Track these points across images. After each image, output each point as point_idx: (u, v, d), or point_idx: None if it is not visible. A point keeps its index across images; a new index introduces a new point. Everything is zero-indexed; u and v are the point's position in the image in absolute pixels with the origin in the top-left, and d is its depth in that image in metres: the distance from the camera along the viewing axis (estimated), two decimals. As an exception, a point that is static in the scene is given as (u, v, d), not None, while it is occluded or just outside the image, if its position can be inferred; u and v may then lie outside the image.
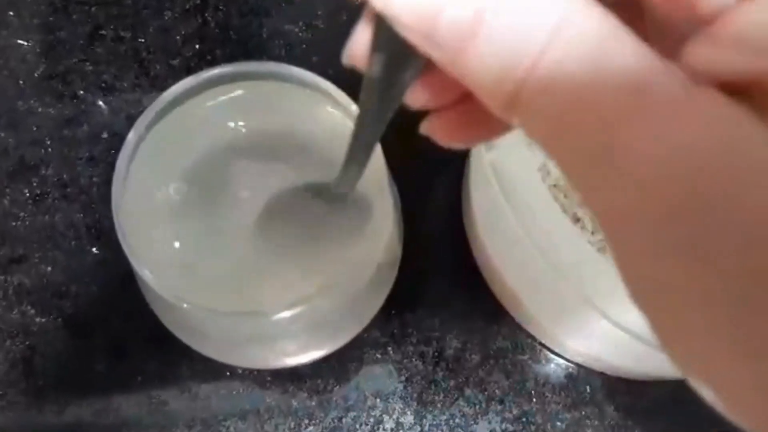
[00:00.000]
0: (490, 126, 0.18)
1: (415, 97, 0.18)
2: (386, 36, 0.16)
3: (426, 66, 0.16)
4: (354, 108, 0.28)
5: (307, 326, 0.28)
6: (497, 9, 0.14)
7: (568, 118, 0.14)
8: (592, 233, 0.33)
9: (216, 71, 0.27)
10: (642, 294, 0.15)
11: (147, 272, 0.25)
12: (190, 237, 0.28)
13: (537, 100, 0.14)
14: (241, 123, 0.29)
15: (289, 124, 0.30)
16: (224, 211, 0.28)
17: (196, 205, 0.28)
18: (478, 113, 0.18)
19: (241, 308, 0.26)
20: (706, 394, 0.15)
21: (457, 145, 0.19)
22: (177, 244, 0.27)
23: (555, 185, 0.39)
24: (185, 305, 0.25)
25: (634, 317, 0.28)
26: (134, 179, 0.27)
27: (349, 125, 0.28)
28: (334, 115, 0.29)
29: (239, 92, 0.30)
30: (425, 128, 0.19)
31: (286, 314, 0.25)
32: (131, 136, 0.26)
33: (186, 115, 0.28)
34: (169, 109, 0.28)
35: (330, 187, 0.28)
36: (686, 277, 0.13)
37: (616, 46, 0.14)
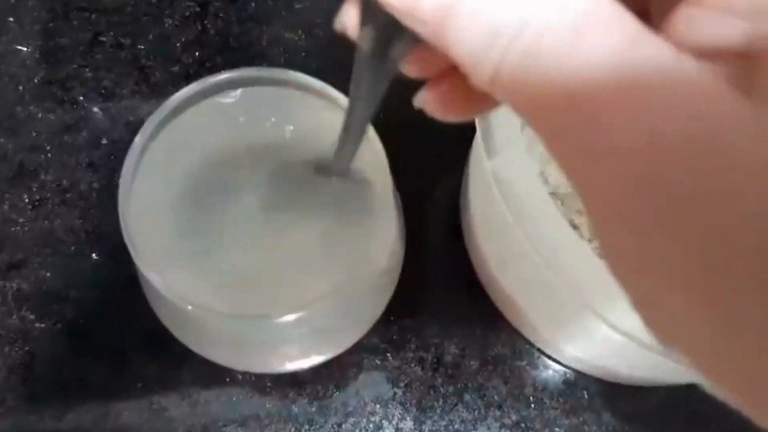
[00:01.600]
0: (482, 99, 0.18)
1: (407, 68, 0.18)
2: (373, 12, 0.16)
3: (415, 39, 0.16)
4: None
5: (310, 330, 0.28)
6: None
7: (549, 93, 0.14)
8: (589, 241, 0.34)
9: (224, 76, 0.28)
10: (622, 267, 0.15)
11: (153, 274, 0.25)
12: (194, 240, 0.28)
13: (519, 73, 0.14)
14: (245, 128, 0.30)
15: (293, 129, 0.30)
16: (229, 215, 0.28)
17: (201, 209, 0.28)
18: (468, 86, 0.18)
19: (245, 311, 0.26)
20: (686, 360, 0.15)
21: (451, 117, 0.19)
22: (182, 247, 0.27)
23: (553, 193, 0.40)
24: (190, 307, 0.25)
25: (632, 322, 0.29)
26: (140, 183, 0.27)
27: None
28: (336, 119, 0.30)
29: (244, 97, 0.30)
30: (419, 101, 0.19)
31: (290, 318, 0.25)
32: (138, 140, 0.26)
33: (192, 119, 0.29)
34: (175, 113, 0.28)
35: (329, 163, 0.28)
36: (660, 248, 0.14)
37: (599, 19, 0.14)
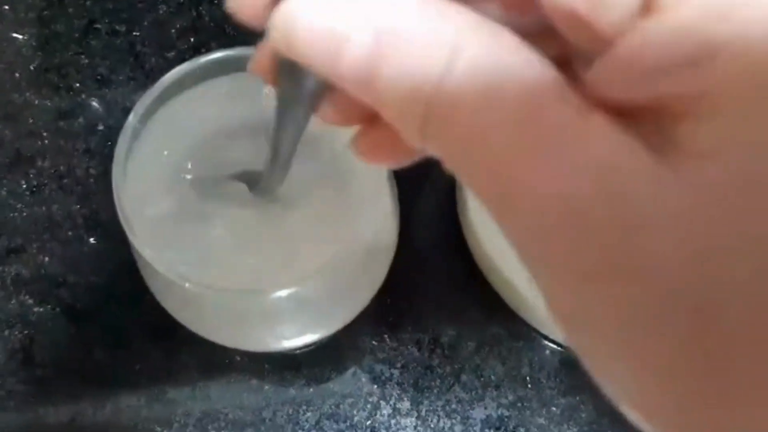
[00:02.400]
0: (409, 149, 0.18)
1: (329, 116, 0.18)
2: (288, 64, 0.16)
3: (331, 87, 0.16)
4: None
5: (304, 306, 0.29)
6: (395, 29, 0.14)
7: (469, 146, 0.14)
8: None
9: (218, 55, 0.28)
10: (563, 324, 0.15)
11: (148, 251, 0.25)
12: (190, 218, 0.28)
13: (444, 124, 0.14)
14: (239, 109, 0.30)
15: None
16: (223, 194, 0.28)
17: (196, 188, 0.28)
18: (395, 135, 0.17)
19: (240, 287, 0.26)
20: (634, 418, 0.15)
21: (384, 165, 0.19)
22: (177, 226, 0.28)
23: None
24: (187, 285, 0.25)
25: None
26: (135, 162, 0.28)
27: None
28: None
29: (237, 80, 0.30)
30: (352, 149, 0.19)
31: (284, 292, 0.26)
32: (131, 119, 0.26)
33: (186, 101, 0.29)
34: (170, 95, 0.28)
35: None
36: (589, 305, 0.14)
37: (511, 69, 0.13)
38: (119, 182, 0.26)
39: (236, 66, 0.29)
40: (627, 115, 0.14)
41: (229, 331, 0.30)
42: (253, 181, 0.27)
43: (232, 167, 0.29)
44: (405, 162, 0.19)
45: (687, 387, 0.13)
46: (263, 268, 0.28)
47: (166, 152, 0.28)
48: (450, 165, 0.15)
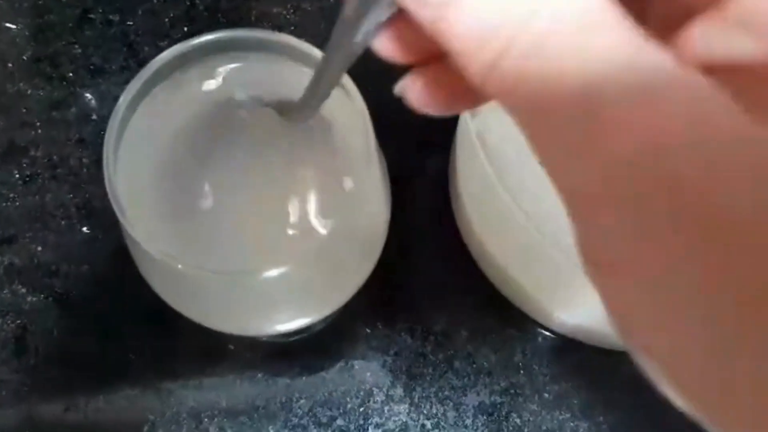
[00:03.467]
0: (468, 93, 0.18)
1: (385, 46, 0.18)
2: None
3: (398, 19, 0.16)
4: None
5: (294, 288, 0.29)
6: None
7: (548, 90, 0.14)
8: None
9: (209, 37, 0.28)
10: (596, 271, 0.15)
11: (139, 232, 0.25)
12: (181, 201, 0.28)
13: (516, 73, 0.14)
14: (231, 90, 0.30)
15: (280, 93, 0.30)
16: (214, 176, 0.28)
17: (186, 171, 0.28)
18: (454, 79, 0.17)
19: (231, 268, 0.26)
20: (651, 369, 0.15)
21: (431, 110, 0.19)
22: (168, 208, 0.28)
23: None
24: (180, 266, 0.25)
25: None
26: (126, 144, 0.28)
27: (341, 96, 0.29)
28: (334, 93, 0.30)
29: (231, 63, 0.30)
30: (400, 89, 0.19)
31: (274, 273, 0.26)
32: (121, 101, 0.26)
33: (178, 81, 0.29)
34: (161, 75, 0.28)
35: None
36: (641, 258, 0.14)
37: (606, 21, 0.14)
38: (110, 165, 0.26)
39: (227, 48, 0.29)
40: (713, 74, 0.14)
41: (221, 314, 0.30)
42: (284, 106, 0.27)
43: (224, 149, 0.29)
44: (452, 108, 0.19)
45: (727, 334, 0.13)
46: (254, 250, 0.28)
47: (157, 135, 0.28)
48: (514, 102, 0.15)
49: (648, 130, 0.13)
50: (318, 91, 0.23)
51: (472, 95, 0.18)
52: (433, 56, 0.18)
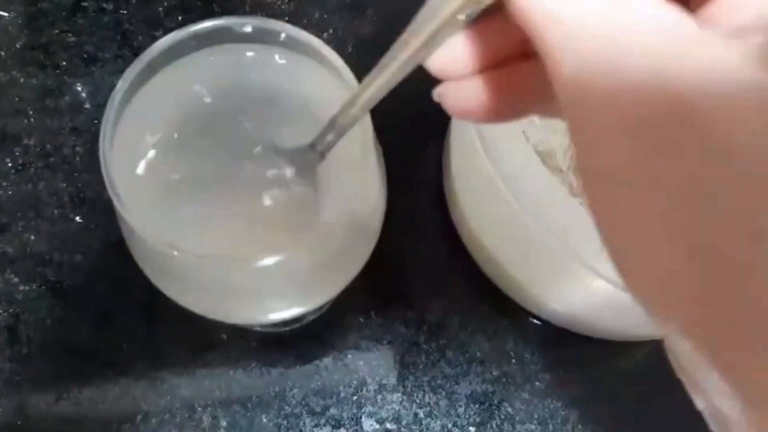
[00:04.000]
0: (520, 99, 0.19)
1: (457, 49, 0.19)
2: None
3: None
4: (341, 65, 0.28)
5: (289, 277, 0.29)
6: None
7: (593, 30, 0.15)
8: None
9: (207, 25, 0.28)
10: (605, 180, 0.16)
11: (136, 219, 0.25)
12: (177, 187, 0.28)
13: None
14: (229, 78, 0.30)
15: (278, 82, 0.30)
16: (212, 162, 0.28)
17: (183, 156, 0.28)
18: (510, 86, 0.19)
19: (226, 256, 0.26)
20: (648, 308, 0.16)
21: (469, 117, 0.20)
22: (164, 195, 0.28)
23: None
24: (175, 252, 0.25)
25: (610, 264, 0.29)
26: (122, 133, 0.28)
27: (338, 86, 0.29)
28: (324, 75, 0.30)
29: (229, 52, 0.30)
30: (438, 94, 0.20)
31: (269, 261, 0.26)
32: (119, 86, 0.26)
33: (175, 68, 0.29)
34: (160, 63, 0.28)
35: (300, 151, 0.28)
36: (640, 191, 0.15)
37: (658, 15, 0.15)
38: (106, 151, 0.26)
39: (226, 35, 0.29)
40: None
41: (215, 302, 0.30)
42: (289, 155, 0.28)
43: (220, 137, 0.29)
44: (498, 116, 0.20)
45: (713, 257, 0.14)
46: (249, 238, 0.28)
47: (154, 121, 0.28)
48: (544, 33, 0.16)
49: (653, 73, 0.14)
50: (354, 109, 0.23)
51: (524, 102, 0.19)
52: (492, 64, 0.19)
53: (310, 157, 0.27)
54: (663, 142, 0.14)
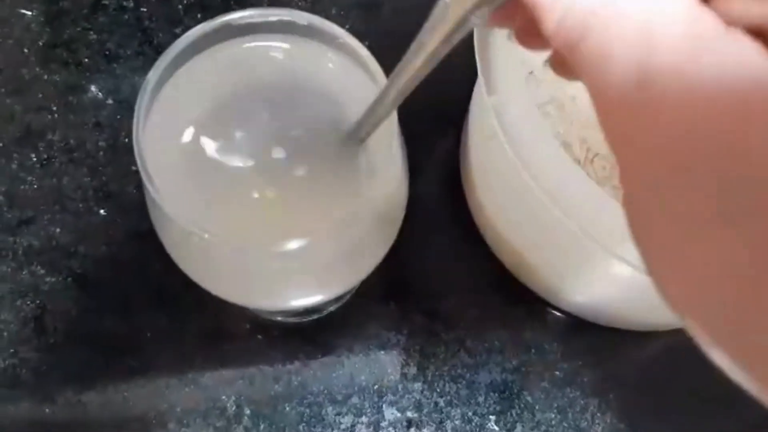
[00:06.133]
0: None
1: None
2: None
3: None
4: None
5: (312, 264, 0.29)
6: None
7: (608, 41, 0.15)
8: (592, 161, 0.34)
9: (246, 14, 0.29)
10: (638, 217, 0.16)
11: (167, 202, 0.26)
12: (206, 174, 0.29)
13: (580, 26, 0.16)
14: (257, 71, 0.31)
15: (306, 72, 0.31)
16: (240, 149, 0.29)
17: (213, 143, 0.29)
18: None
19: (252, 241, 0.27)
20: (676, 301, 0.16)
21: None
22: (194, 181, 0.28)
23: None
24: (206, 235, 0.26)
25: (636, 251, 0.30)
26: (153, 120, 0.28)
27: (362, 75, 0.30)
28: (349, 65, 0.31)
29: (256, 43, 0.31)
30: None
31: (293, 246, 0.26)
32: (151, 74, 0.27)
33: (206, 60, 0.29)
34: (190, 53, 0.29)
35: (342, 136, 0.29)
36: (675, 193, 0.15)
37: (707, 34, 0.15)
38: (139, 135, 0.26)
39: (252, 28, 0.30)
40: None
41: (239, 287, 0.31)
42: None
43: (249, 126, 0.29)
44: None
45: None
46: (276, 223, 0.29)
47: (185, 108, 0.29)
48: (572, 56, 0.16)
49: (685, 83, 0.15)
50: (387, 101, 0.24)
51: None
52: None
53: (347, 145, 0.28)
54: (715, 151, 0.15)
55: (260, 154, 0.29)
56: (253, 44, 0.30)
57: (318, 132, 0.30)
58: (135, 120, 0.26)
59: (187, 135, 0.29)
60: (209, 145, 0.29)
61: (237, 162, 0.29)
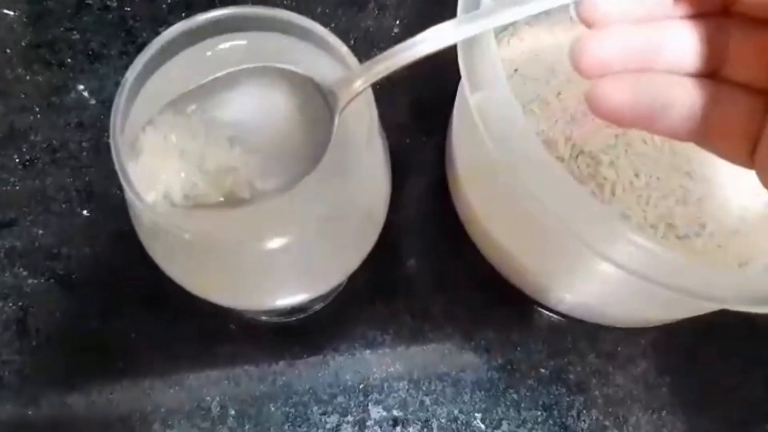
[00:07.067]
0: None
1: None
2: None
3: None
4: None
5: (295, 261, 0.29)
6: None
7: None
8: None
9: (221, 12, 0.29)
10: None
11: (148, 202, 0.26)
12: (188, 172, 0.28)
13: None
14: (236, 69, 0.30)
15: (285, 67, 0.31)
16: (219, 150, 0.29)
17: (192, 140, 0.29)
18: None
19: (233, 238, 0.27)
20: None
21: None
22: (176, 178, 0.28)
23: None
24: (186, 235, 0.26)
25: (620, 250, 0.30)
26: (132, 120, 0.28)
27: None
28: (328, 62, 0.30)
29: (238, 41, 0.31)
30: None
31: (275, 243, 0.26)
32: (129, 74, 0.27)
33: (185, 58, 0.29)
34: (169, 53, 0.29)
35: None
36: None
37: None
38: (117, 138, 0.26)
39: (233, 25, 0.30)
40: None
41: (223, 287, 0.31)
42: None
43: (228, 122, 0.29)
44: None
45: None
46: (257, 222, 0.29)
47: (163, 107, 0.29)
48: None
49: None
50: None
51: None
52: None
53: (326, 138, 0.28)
54: None
55: (239, 151, 0.29)
56: (232, 42, 0.30)
57: (301, 129, 0.30)
58: (112, 120, 0.26)
59: (168, 130, 0.29)
60: (190, 141, 0.29)
61: (216, 160, 0.29)
